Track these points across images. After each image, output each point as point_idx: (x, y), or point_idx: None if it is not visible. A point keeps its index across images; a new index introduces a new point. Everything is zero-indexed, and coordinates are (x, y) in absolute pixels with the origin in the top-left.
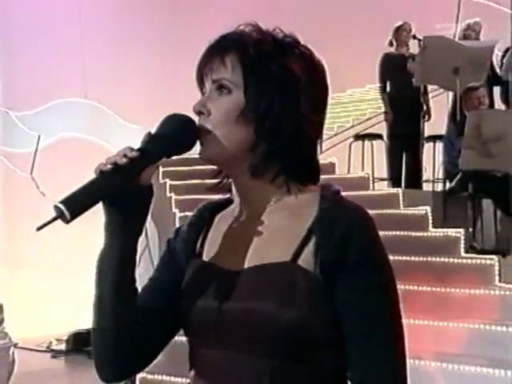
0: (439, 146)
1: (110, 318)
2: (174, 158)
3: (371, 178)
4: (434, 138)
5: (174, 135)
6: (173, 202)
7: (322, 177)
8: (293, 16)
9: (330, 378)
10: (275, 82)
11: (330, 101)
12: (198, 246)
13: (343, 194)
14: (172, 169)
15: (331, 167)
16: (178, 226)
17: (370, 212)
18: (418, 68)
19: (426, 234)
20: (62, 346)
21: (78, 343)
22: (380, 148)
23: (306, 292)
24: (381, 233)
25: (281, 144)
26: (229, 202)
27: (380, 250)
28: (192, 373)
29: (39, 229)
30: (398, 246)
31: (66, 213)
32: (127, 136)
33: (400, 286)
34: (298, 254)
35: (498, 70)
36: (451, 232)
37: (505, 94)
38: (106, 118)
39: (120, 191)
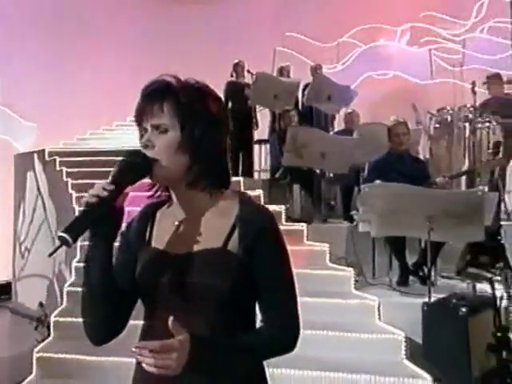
0: (264, 147)
1: (99, 289)
2: (69, 150)
3: None
4: (260, 142)
5: (135, 167)
6: (69, 185)
7: None
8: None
9: (251, 324)
10: (202, 120)
11: None
12: (147, 236)
13: None
14: (67, 159)
15: None
16: (74, 203)
17: None
18: (252, 93)
19: None
20: None
21: None
22: None
23: (234, 268)
24: None
25: (209, 164)
26: (164, 201)
27: (281, 236)
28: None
29: (50, 255)
30: None
31: (69, 239)
32: (25, 132)
33: None
34: (227, 242)
35: (299, 98)
36: (276, 207)
37: (309, 113)
38: (8, 117)
39: (103, 215)
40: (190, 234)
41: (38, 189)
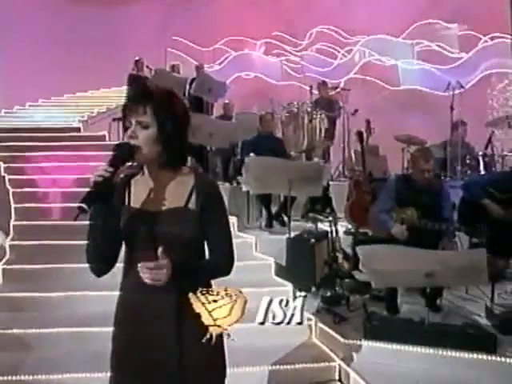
0: None
1: (101, 239)
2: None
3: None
4: None
5: (125, 153)
6: (1, 168)
7: (99, 143)
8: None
9: (203, 258)
10: (172, 119)
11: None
12: (127, 198)
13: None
14: None
15: (103, 138)
16: (8, 185)
17: None
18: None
19: None
20: None
21: None
22: None
23: (193, 221)
24: None
25: (175, 151)
26: (136, 172)
27: (223, 199)
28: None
29: (75, 219)
30: None
31: (86, 208)
32: None
33: None
34: (188, 202)
35: (187, 89)
36: None
37: (196, 102)
38: None
39: (105, 188)
40: (159, 198)
41: None
